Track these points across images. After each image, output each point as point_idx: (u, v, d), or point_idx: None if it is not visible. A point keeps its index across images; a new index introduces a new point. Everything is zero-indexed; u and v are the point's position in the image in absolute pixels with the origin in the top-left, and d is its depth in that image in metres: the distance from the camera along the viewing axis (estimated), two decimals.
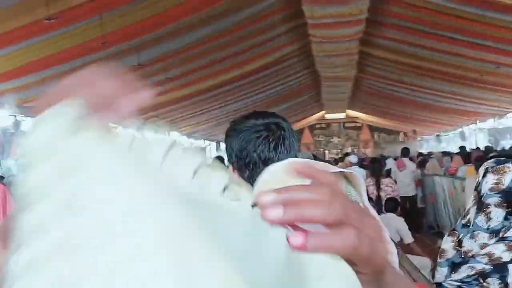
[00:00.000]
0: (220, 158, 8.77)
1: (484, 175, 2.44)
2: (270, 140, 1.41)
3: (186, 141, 26.91)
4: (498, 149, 14.70)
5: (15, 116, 10.21)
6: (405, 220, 6.81)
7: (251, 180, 1.38)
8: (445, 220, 9.78)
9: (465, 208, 2.56)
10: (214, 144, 30.53)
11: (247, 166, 1.40)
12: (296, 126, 28.61)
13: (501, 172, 2.39)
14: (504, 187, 2.36)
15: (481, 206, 2.40)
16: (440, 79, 15.47)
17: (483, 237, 2.36)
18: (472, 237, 2.39)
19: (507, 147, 15.05)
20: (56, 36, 8.11)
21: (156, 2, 8.73)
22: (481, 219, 2.38)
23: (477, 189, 2.45)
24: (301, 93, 23.16)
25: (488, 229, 2.35)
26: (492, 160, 2.52)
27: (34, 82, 9.89)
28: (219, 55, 12.75)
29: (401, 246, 6.28)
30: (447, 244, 2.48)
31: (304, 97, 24.42)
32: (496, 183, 2.38)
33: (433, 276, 2.54)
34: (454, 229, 2.52)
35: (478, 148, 14.60)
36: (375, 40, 14.50)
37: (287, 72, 17.87)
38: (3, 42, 7.66)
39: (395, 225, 6.62)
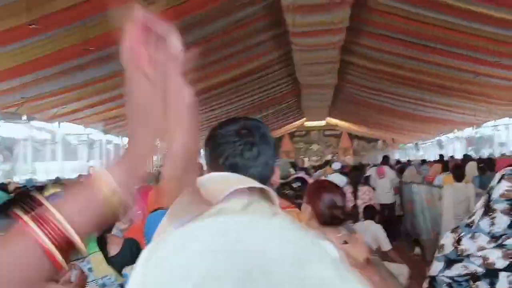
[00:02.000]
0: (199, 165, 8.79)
1: (499, 181, 2.45)
2: (237, 145, 1.41)
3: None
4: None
5: None
6: (383, 228, 6.86)
7: None
8: (423, 228, 9.87)
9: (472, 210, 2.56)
10: None
11: (217, 171, 1.38)
12: (276, 133, 28.66)
13: None
14: None
15: (488, 209, 2.42)
16: (419, 88, 15.62)
17: (482, 240, 2.39)
18: (472, 237, 2.42)
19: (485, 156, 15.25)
20: (40, 40, 8.05)
21: None
22: (485, 222, 2.41)
23: (489, 192, 2.47)
24: (282, 100, 23.23)
25: (489, 233, 2.38)
26: (509, 168, 2.53)
27: (16, 87, 9.81)
28: (200, 62, 12.74)
29: (379, 253, 6.33)
30: (447, 239, 2.50)
31: (284, 104, 24.50)
32: (508, 190, 2.40)
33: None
34: (458, 227, 2.54)
35: (453, 157, 14.77)
36: (356, 48, 14.61)
37: (268, 80, 17.93)
38: None
39: (373, 232, 6.67)
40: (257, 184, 0.96)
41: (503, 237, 2.36)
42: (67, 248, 0.77)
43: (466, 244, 2.43)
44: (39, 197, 0.80)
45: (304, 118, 30.67)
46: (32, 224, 0.76)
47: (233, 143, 1.41)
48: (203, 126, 20.01)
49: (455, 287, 2.41)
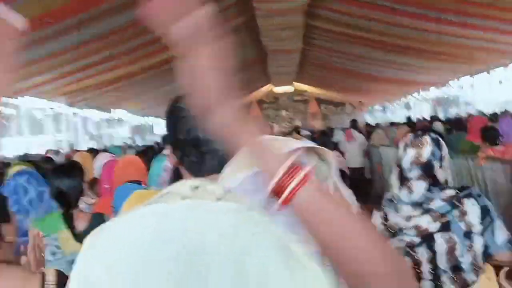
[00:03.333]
0: (165, 138, 8.72)
1: (405, 150, 2.54)
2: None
3: (133, 118, 26.64)
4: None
5: None
6: (354, 192, 6.90)
7: (183, 160, 1.35)
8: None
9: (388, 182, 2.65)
10: (162, 121, 30.33)
11: (179, 147, 1.36)
12: (244, 101, 28.59)
13: (420, 145, 2.48)
14: (423, 160, 2.47)
15: (402, 180, 2.52)
16: (384, 50, 15.68)
17: (406, 210, 2.48)
18: (396, 210, 2.52)
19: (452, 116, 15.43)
20: None
21: None
22: (403, 193, 2.50)
23: (399, 164, 2.56)
24: (248, 67, 23.16)
25: (410, 201, 2.48)
26: (410, 134, 2.62)
27: None
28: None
29: None
30: (375, 219, 2.59)
31: (251, 71, 24.44)
32: (416, 157, 2.48)
33: None
34: (381, 204, 2.61)
35: (423, 118, 14.88)
36: (320, 12, 14.55)
37: (233, 46, 17.78)
38: None
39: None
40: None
41: (427, 201, 2.45)
42: None
43: (393, 219, 2.53)
44: None
45: (271, 84, 30.67)
46: None
47: (194, 117, 1.35)
48: (166, 98, 19.91)
49: None
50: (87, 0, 9.04)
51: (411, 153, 2.49)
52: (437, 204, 2.41)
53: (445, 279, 2.35)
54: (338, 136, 12.48)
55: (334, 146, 10.00)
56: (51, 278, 1.75)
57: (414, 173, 2.47)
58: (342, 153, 9.56)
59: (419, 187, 2.45)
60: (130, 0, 9.68)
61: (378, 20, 12.79)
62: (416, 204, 2.46)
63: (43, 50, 10.77)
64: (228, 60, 0.92)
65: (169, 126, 1.44)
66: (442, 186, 2.46)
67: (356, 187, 8.53)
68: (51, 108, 17.73)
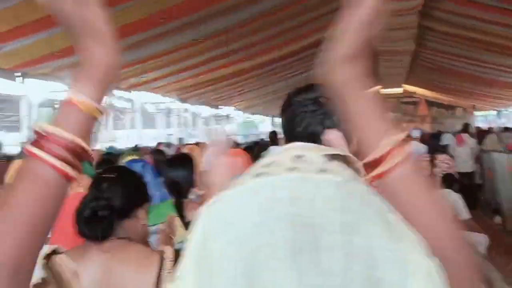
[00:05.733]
0: (273, 133, 8.85)
1: None
2: (317, 114, 1.41)
3: (240, 115, 27.07)
4: None
5: None
6: (462, 197, 6.74)
7: None
8: (503, 197, 9.61)
9: None
10: (269, 119, 30.60)
11: (295, 141, 1.34)
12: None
13: None
14: None
15: None
16: (501, 53, 15.03)
17: None
18: None
19: None
20: (116, 11, 8.21)
21: None
22: None
23: None
24: None
25: None
26: None
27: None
28: (280, 28, 12.69)
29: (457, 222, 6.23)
30: None
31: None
32: None
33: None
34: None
35: None
36: (434, 13, 14.17)
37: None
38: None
39: (451, 201, 6.58)
40: (340, 152, 0.98)
41: None
42: (75, 155, 0.89)
43: None
44: (37, 128, 0.90)
45: (379, 86, 30.07)
46: (34, 149, 0.87)
47: (312, 112, 1.41)
48: (280, 94, 20.11)
49: None
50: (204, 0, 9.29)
51: None
52: None
53: None
54: (446, 139, 12.15)
55: (444, 149, 9.76)
56: (169, 255, 1.94)
57: None
58: (452, 157, 9.33)
59: None
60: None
61: (495, 22, 12.30)
62: None
63: (158, 47, 11.18)
64: (380, 23, 0.99)
65: (286, 119, 1.49)
66: None
67: (465, 192, 8.37)
68: (164, 103, 18.40)
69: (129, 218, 2.07)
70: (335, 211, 0.70)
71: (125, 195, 2.06)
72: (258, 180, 0.77)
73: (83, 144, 0.89)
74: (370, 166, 0.89)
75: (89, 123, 0.92)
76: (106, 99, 0.94)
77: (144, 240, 2.22)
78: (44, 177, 0.86)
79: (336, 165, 0.82)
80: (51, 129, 0.87)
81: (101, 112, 0.93)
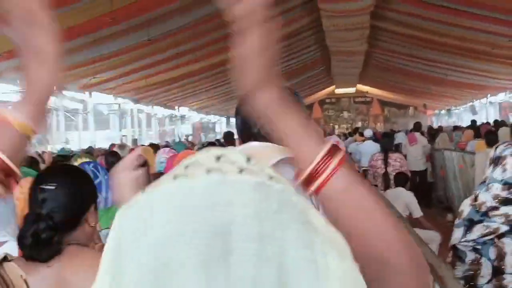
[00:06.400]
0: (229, 133, 8.83)
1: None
2: None
3: (195, 116, 26.98)
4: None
5: None
6: (415, 195, 6.82)
7: None
8: (455, 195, 9.78)
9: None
10: (224, 119, 30.58)
11: (251, 141, 1.36)
12: (306, 101, 28.55)
13: None
14: None
15: (498, 160, 2.42)
16: (451, 53, 15.34)
17: (496, 188, 2.38)
18: (487, 189, 2.42)
19: None
20: (65, 12, 8.07)
21: None
22: (497, 172, 2.41)
23: (496, 149, 2.50)
24: (311, 67, 23.07)
25: (502, 180, 2.37)
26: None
27: None
28: (229, 29, 12.68)
29: (410, 220, 6.32)
30: (465, 205, 2.51)
31: (314, 71, 24.33)
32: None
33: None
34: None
35: (488, 123, 14.51)
36: (386, 13, 14.36)
37: (298, 47, 17.76)
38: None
39: (404, 199, 6.64)
40: (288, 154, 0.94)
41: None
42: (4, 175, 0.92)
43: (482, 197, 2.43)
44: None
45: (334, 86, 30.45)
46: None
47: None
48: (233, 95, 20.12)
49: (481, 248, 2.38)
50: (154, 2, 9.22)
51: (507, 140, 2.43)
52: None
53: None
54: (400, 138, 12.33)
55: (396, 148, 9.89)
56: None
57: (510, 150, 2.42)
58: (404, 156, 9.45)
59: None
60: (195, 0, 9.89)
61: (445, 22, 12.53)
62: (506, 183, 2.36)
63: (110, 48, 11.06)
64: (275, 45, 0.94)
65: (241, 119, 1.47)
66: None
67: (418, 191, 8.47)
68: (117, 104, 18.19)
69: (77, 227, 1.95)
70: (252, 218, 0.66)
71: (69, 207, 1.85)
72: (176, 184, 0.74)
73: (10, 164, 0.92)
74: (307, 183, 0.87)
75: (23, 142, 0.95)
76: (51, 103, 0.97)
77: (93, 241, 2.12)
78: None
79: (256, 164, 0.79)
80: None
81: (34, 132, 0.96)
